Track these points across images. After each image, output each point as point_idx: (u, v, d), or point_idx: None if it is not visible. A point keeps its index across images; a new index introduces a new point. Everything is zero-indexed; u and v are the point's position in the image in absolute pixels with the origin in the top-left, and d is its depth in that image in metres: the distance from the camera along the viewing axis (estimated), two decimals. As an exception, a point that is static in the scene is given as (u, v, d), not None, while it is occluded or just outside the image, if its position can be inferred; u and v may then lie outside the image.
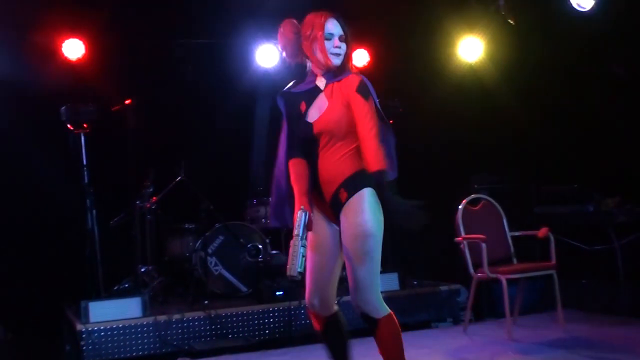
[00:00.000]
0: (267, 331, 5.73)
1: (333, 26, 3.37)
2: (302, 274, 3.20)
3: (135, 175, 6.45)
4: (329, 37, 3.35)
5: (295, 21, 3.45)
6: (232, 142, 7.42)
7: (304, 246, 3.16)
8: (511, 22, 6.96)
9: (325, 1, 6.79)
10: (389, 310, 3.36)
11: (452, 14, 7.27)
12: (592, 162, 6.73)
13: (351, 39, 3.41)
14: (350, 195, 3.27)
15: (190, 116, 7.29)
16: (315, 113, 3.36)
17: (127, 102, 6.36)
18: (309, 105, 3.39)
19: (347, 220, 3.27)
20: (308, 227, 3.24)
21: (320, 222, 3.39)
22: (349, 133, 3.30)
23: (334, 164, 3.31)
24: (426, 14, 7.18)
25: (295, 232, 3.20)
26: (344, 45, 3.38)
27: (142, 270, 6.32)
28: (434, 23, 7.33)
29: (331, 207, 3.34)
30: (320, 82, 3.42)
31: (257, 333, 5.71)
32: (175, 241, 6.75)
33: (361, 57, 7.58)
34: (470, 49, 7.37)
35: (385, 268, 6.18)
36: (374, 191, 3.27)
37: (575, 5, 6.60)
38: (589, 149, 6.79)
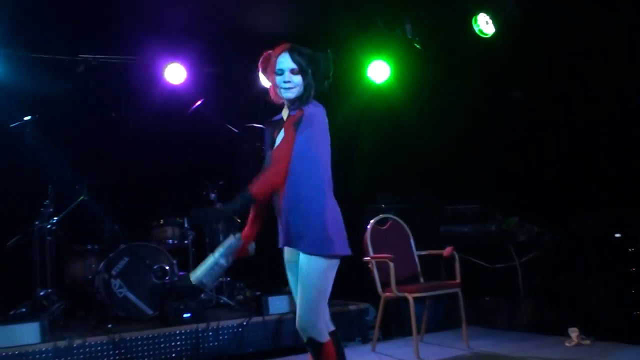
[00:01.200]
0: (173, 355, 5.59)
1: (283, 60, 3.41)
2: (204, 284, 3.33)
3: (34, 194, 6.21)
4: (279, 72, 3.41)
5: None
6: (137, 161, 7.26)
7: (217, 264, 3.29)
8: (417, 46, 7.12)
9: (228, 22, 6.89)
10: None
11: (360, 37, 7.38)
12: (493, 182, 6.95)
13: (315, 66, 3.43)
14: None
15: (94, 134, 7.09)
16: (276, 142, 3.45)
17: (26, 118, 6.13)
18: (277, 134, 3.47)
19: None
20: (234, 252, 3.37)
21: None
22: None
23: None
24: (334, 35, 7.26)
25: (220, 248, 3.36)
26: (296, 77, 3.40)
27: (41, 293, 6.07)
28: (341, 45, 7.41)
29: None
30: (285, 114, 3.50)
31: (163, 357, 5.55)
32: (77, 263, 6.52)
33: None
34: (378, 71, 7.49)
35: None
36: None
37: (477, 32, 6.83)
38: (490, 170, 7.01)
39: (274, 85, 3.44)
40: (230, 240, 3.32)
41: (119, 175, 7.11)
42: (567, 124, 6.45)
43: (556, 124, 6.51)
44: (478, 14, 6.86)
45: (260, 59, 3.50)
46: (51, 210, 6.29)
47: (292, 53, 3.41)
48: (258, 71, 3.56)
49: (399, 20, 7.18)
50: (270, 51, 3.48)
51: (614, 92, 6.01)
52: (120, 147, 7.10)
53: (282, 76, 3.40)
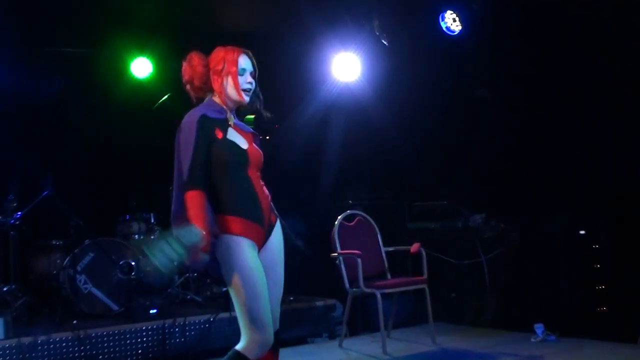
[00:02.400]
0: (140, 351, 5.54)
1: (245, 62, 3.35)
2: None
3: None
4: (242, 72, 3.33)
5: (202, 54, 3.37)
6: (103, 155, 7.18)
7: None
8: (385, 42, 7.14)
9: (196, 17, 6.84)
10: None
11: (328, 32, 7.37)
12: (460, 179, 7.00)
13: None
14: (276, 216, 3.42)
15: (59, 127, 6.99)
16: (241, 143, 3.29)
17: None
18: (224, 134, 3.27)
19: (278, 239, 3.40)
20: (194, 255, 3.00)
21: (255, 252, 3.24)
22: None
23: (265, 192, 3.35)
24: (300, 30, 7.24)
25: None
26: (254, 82, 3.37)
27: (4, 289, 5.96)
28: (308, 40, 7.39)
29: (267, 232, 3.33)
30: (230, 118, 3.36)
31: (129, 353, 5.50)
32: (41, 258, 6.44)
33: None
34: (346, 66, 7.48)
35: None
36: None
37: (444, 29, 6.87)
38: (458, 167, 7.06)
39: (236, 84, 3.32)
40: (194, 234, 2.98)
41: (84, 170, 7.02)
42: (534, 122, 6.51)
43: (523, 121, 6.58)
44: (445, 11, 6.90)
45: (214, 56, 3.37)
46: (15, 204, 6.17)
47: (250, 57, 3.39)
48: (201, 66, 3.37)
49: (366, 17, 7.19)
50: (222, 48, 3.38)
51: (582, 91, 6.09)
52: (85, 141, 7.01)
53: (243, 77, 3.34)
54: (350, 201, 6.87)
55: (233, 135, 3.30)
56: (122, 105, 7.27)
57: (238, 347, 3.18)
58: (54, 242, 6.50)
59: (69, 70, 7.10)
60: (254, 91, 3.38)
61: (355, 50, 7.43)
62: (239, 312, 3.18)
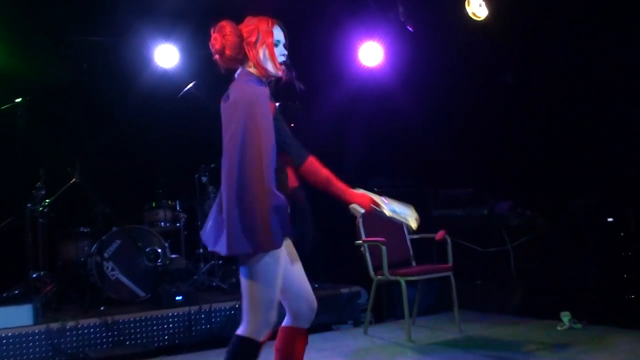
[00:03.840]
0: (166, 337, 5.61)
1: (278, 33, 3.21)
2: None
3: (26, 176, 6.19)
4: (277, 44, 3.20)
5: (234, 23, 3.20)
6: (129, 143, 7.23)
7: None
8: (409, 29, 7.09)
9: (223, 3, 6.84)
10: None
11: (352, 19, 7.34)
12: (486, 166, 6.95)
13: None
14: None
15: (86, 116, 7.06)
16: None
17: (17, 100, 6.10)
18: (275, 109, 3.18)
19: None
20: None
21: None
22: None
23: None
24: (325, 17, 7.21)
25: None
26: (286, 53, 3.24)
27: (34, 276, 6.06)
28: (333, 27, 7.37)
29: None
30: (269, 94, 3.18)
31: (155, 339, 5.57)
32: (69, 245, 6.52)
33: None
34: (371, 53, 7.46)
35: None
36: None
37: (470, 15, 6.79)
38: (484, 154, 7.01)
39: (272, 56, 3.17)
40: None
41: (111, 158, 7.08)
42: (561, 108, 6.44)
43: (550, 108, 6.50)
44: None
45: (246, 26, 3.19)
46: (43, 192, 6.27)
47: (283, 28, 3.24)
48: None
49: (391, 3, 7.14)
50: (254, 18, 3.22)
51: (610, 77, 6.00)
52: (112, 129, 7.06)
53: (278, 48, 3.20)
54: (375, 188, 6.82)
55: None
56: (148, 93, 7.31)
57: (244, 333, 3.14)
58: (81, 230, 6.58)
59: (96, 58, 7.14)
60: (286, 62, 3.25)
61: (380, 36, 7.39)
62: (257, 296, 3.10)
